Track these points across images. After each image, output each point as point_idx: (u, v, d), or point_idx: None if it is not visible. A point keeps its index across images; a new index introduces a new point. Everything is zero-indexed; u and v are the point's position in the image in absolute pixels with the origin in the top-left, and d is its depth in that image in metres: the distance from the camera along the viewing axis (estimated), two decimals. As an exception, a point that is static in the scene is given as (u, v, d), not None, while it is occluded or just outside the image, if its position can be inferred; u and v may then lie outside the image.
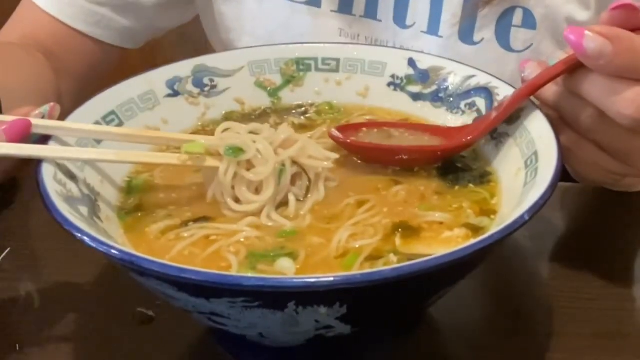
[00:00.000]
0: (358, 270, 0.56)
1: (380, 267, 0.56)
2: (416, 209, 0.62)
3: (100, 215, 0.60)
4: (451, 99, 0.71)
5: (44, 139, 0.61)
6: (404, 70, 0.74)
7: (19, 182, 0.79)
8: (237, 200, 0.61)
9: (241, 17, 0.91)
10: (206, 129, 0.72)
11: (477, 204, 0.62)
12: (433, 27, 0.85)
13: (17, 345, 0.62)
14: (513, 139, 0.64)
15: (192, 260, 0.57)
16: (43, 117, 0.61)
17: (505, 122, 0.65)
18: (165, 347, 0.63)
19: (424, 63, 0.73)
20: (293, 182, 0.62)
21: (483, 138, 0.66)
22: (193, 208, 0.62)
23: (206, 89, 0.74)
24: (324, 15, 0.88)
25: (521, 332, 0.63)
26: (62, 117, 0.64)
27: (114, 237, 0.58)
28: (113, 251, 0.50)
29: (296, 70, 0.75)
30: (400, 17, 0.86)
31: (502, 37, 0.84)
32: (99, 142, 0.64)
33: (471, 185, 0.64)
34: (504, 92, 0.67)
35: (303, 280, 0.48)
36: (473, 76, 0.70)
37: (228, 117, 0.74)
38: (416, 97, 0.73)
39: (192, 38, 1.82)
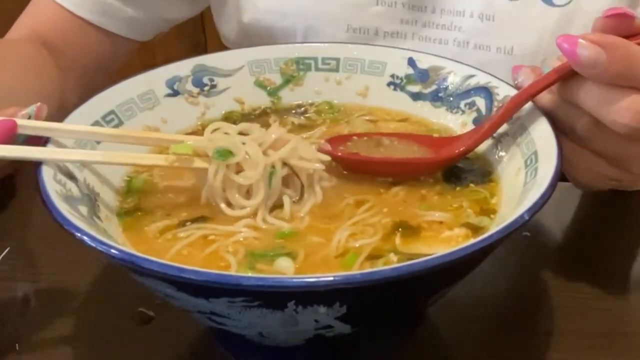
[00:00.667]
0: (358, 269, 0.55)
1: (380, 266, 0.56)
2: (416, 209, 0.62)
3: (100, 214, 0.60)
4: (451, 99, 0.71)
5: (32, 140, 0.60)
6: (403, 70, 0.74)
7: (19, 182, 0.79)
8: (229, 204, 0.61)
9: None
10: (206, 129, 0.72)
11: (477, 203, 0.62)
12: None
13: (17, 345, 0.62)
14: (513, 139, 0.64)
15: (191, 260, 0.57)
16: (29, 118, 0.61)
17: (505, 121, 0.65)
18: (165, 347, 0.63)
19: (423, 63, 0.73)
20: (286, 184, 0.62)
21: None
22: (192, 208, 0.62)
23: (206, 88, 0.74)
24: None
25: (521, 332, 0.63)
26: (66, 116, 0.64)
27: (113, 236, 0.58)
28: (113, 251, 0.50)
29: (296, 70, 0.75)
30: None
31: None
32: (98, 143, 0.64)
33: (471, 185, 0.64)
34: (503, 91, 0.67)
35: (303, 280, 0.48)
36: (473, 76, 0.70)
37: (228, 116, 0.74)
38: (416, 96, 0.73)
39: (191, 37, 1.83)
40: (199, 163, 0.61)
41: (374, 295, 0.51)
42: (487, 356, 0.62)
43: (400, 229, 0.59)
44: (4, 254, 0.71)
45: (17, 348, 0.62)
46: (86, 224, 0.54)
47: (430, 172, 0.65)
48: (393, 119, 0.73)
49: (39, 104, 0.62)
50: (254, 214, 0.60)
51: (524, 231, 0.52)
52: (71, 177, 0.60)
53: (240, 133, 0.63)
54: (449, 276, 0.54)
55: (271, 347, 0.57)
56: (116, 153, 0.63)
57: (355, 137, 0.69)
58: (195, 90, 0.73)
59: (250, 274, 0.55)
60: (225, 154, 0.60)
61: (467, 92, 0.70)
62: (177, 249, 0.58)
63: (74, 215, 0.54)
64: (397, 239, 0.59)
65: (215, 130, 0.63)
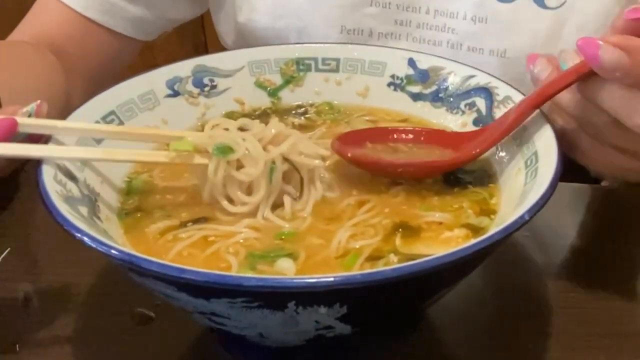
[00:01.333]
0: (359, 270, 0.56)
1: (381, 267, 0.56)
2: (416, 210, 0.62)
3: (100, 215, 0.60)
4: (451, 99, 0.71)
5: (33, 138, 0.60)
6: (403, 70, 0.74)
7: (19, 182, 0.79)
8: (230, 200, 0.61)
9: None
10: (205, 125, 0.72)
11: (477, 204, 0.62)
12: None
13: (17, 345, 0.62)
14: (513, 140, 0.64)
15: (192, 261, 0.57)
16: (30, 116, 0.61)
17: (505, 122, 0.66)
18: (165, 347, 0.63)
19: (423, 63, 0.73)
20: (287, 179, 0.62)
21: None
22: (192, 208, 0.62)
23: (206, 89, 0.74)
24: None
25: (521, 332, 0.63)
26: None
27: (113, 237, 0.58)
28: (113, 251, 0.50)
29: (296, 70, 0.75)
30: None
31: None
32: (98, 141, 0.64)
33: (470, 186, 0.64)
34: (503, 92, 0.67)
35: (303, 280, 0.48)
36: (473, 76, 0.70)
37: (228, 117, 0.74)
38: (416, 97, 0.73)
39: (192, 38, 1.83)
40: (199, 159, 0.61)
41: (374, 295, 0.51)
42: (486, 356, 0.62)
43: (400, 230, 0.60)
44: (4, 254, 0.71)
45: (17, 348, 0.62)
46: (86, 225, 0.54)
47: (446, 171, 0.65)
48: (393, 119, 0.73)
49: (38, 101, 0.62)
50: (255, 211, 0.60)
51: (524, 232, 0.52)
52: (72, 177, 0.60)
53: (240, 129, 0.63)
54: (449, 277, 0.54)
55: (271, 347, 0.57)
56: (116, 150, 0.63)
57: (369, 144, 0.68)
58: (196, 90, 0.73)
59: (251, 275, 0.55)
60: (225, 150, 0.60)
61: (467, 93, 0.70)
62: (177, 249, 0.58)
63: (74, 216, 0.54)
64: (398, 240, 0.59)
65: (215, 126, 0.63)
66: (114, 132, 0.65)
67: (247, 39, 0.91)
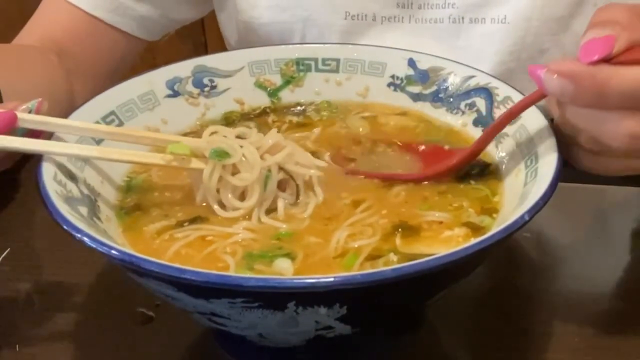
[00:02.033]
0: (358, 270, 0.56)
1: (381, 266, 0.56)
2: (416, 209, 0.62)
3: (100, 215, 0.60)
4: (451, 100, 0.71)
5: (32, 135, 0.61)
6: (403, 71, 0.74)
7: (19, 182, 0.79)
8: (222, 205, 0.61)
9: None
10: (205, 130, 0.72)
11: (479, 202, 0.62)
12: None
13: (17, 345, 0.62)
14: (513, 139, 0.64)
15: (189, 261, 0.57)
16: (30, 112, 0.61)
17: (505, 122, 0.66)
18: (165, 347, 0.63)
19: (423, 63, 0.73)
20: (282, 187, 0.62)
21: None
22: (189, 208, 0.62)
23: (206, 89, 0.74)
24: None
25: (521, 332, 0.63)
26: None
27: (113, 237, 0.58)
28: (113, 252, 0.50)
29: (296, 71, 0.75)
30: None
31: None
32: (98, 141, 0.64)
33: (473, 182, 0.64)
34: (503, 92, 0.67)
35: (303, 280, 0.48)
36: (473, 76, 0.70)
37: (228, 117, 0.74)
38: (416, 97, 0.73)
39: (192, 38, 1.83)
40: (196, 163, 0.61)
41: (374, 296, 0.51)
42: (486, 356, 0.62)
43: (400, 229, 0.60)
44: (4, 254, 0.71)
45: (17, 348, 0.62)
46: (86, 225, 0.54)
47: (422, 179, 0.65)
48: (392, 112, 0.73)
49: (40, 99, 0.62)
50: (248, 216, 0.60)
51: (524, 232, 0.52)
52: (71, 177, 0.60)
53: (238, 137, 0.63)
54: (449, 277, 0.54)
55: (271, 347, 0.57)
56: (113, 149, 0.63)
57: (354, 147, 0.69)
58: (196, 91, 0.73)
59: (249, 275, 0.55)
60: (221, 154, 0.60)
61: (467, 93, 0.70)
62: (174, 249, 0.58)
63: (74, 216, 0.54)
64: (397, 239, 0.59)
65: (213, 133, 0.63)
66: (113, 132, 0.64)
67: (250, 38, 0.91)
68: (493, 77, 0.69)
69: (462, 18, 0.86)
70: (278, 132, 0.71)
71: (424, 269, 0.48)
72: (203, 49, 1.82)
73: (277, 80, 0.75)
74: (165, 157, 0.62)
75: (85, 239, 0.51)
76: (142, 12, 0.93)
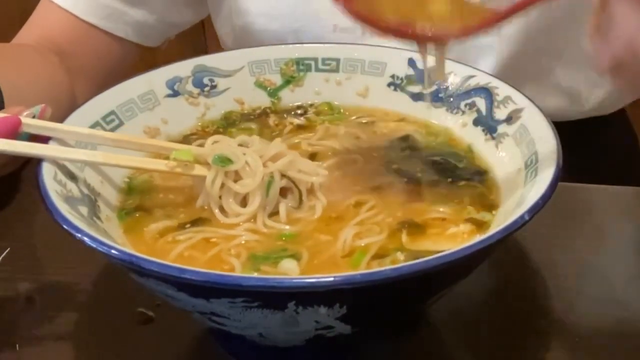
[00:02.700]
0: (366, 268, 0.56)
1: (388, 264, 0.56)
2: (420, 202, 0.62)
3: (100, 215, 0.60)
4: (451, 99, 0.71)
5: (33, 139, 0.61)
6: (404, 70, 0.74)
7: (19, 182, 0.79)
8: (223, 210, 0.61)
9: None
10: (205, 130, 0.72)
11: (478, 199, 0.62)
12: None
13: (17, 345, 0.62)
14: (513, 139, 0.64)
15: (193, 263, 0.57)
16: (34, 117, 0.61)
17: (505, 122, 0.66)
18: (165, 347, 0.63)
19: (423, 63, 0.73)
20: (284, 195, 0.62)
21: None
22: (192, 209, 0.62)
23: (206, 89, 0.74)
24: None
25: (521, 332, 0.63)
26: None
27: (113, 237, 0.58)
28: (113, 251, 0.50)
29: (296, 71, 0.75)
30: None
31: None
32: (94, 146, 0.64)
33: (470, 182, 0.64)
34: (503, 92, 0.67)
35: (303, 280, 0.49)
36: (473, 76, 0.70)
37: (227, 117, 0.74)
38: (416, 97, 0.73)
39: (192, 38, 1.83)
40: (199, 170, 0.62)
41: (375, 295, 0.51)
42: (487, 356, 0.62)
43: (406, 227, 0.60)
44: (4, 254, 0.71)
45: (17, 348, 0.62)
46: (86, 225, 0.54)
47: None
48: (392, 119, 0.73)
49: (43, 105, 0.63)
50: (249, 221, 0.60)
51: (524, 231, 0.52)
52: (72, 177, 0.60)
53: (240, 145, 0.63)
54: (449, 276, 0.54)
55: (271, 347, 0.57)
56: (118, 155, 0.63)
57: None
58: (196, 90, 0.73)
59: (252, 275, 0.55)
60: (224, 160, 0.61)
61: (467, 93, 0.70)
62: (178, 251, 0.58)
63: (74, 216, 0.54)
64: (404, 237, 0.59)
65: (215, 142, 0.63)
66: (116, 139, 0.64)
67: (246, 42, 0.91)
68: (493, 76, 0.69)
69: None
70: (279, 134, 0.71)
71: (424, 268, 0.48)
72: (203, 49, 1.82)
73: (277, 80, 0.75)
74: (169, 163, 0.62)
75: (85, 238, 0.51)
76: (138, 17, 0.92)
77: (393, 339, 0.62)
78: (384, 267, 0.53)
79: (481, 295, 0.67)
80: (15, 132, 0.59)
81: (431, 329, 0.64)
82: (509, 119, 0.65)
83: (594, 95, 0.94)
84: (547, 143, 0.60)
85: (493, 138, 0.67)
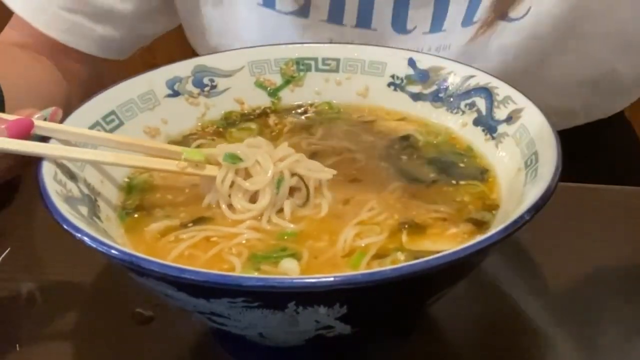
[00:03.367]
0: (366, 268, 0.56)
1: (388, 264, 0.56)
2: (420, 202, 0.62)
3: (100, 215, 0.60)
4: (451, 99, 0.71)
5: (43, 140, 0.61)
6: (404, 70, 0.74)
7: (19, 182, 0.79)
8: (231, 207, 0.61)
9: (232, 21, 0.89)
10: (205, 130, 0.72)
11: (478, 198, 0.62)
12: (436, 26, 0.85)
13: (17, 345, 0.63)
14: (513, 139, 0.64)
15: (194, 262, 0.57)
16: (45, 120, 0.62)
17: (505, 122, 0.66)
18: (165, 347, 0.63)
19: (423, 63, 0.73)
20: (292, 193, 0.62)
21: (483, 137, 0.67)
22: (193, 208, 0.62)
23: (206, 89, 0.74)
24: (314, 26, 0.87)
25: (521, 332, 0.63)
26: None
27: (113, 237, 0.58)
28: (113, 251, 0.50)
29: (296, 70, 0.75)
30: (399, 23, 0.86)
31: None
32: (95, 147, 0.64)
33: (470, 181, 0.64)
34: (503, 92, 0.67)
35: (303, 280, 0.48)
36: (473, 76, 0.70)
37: (227, 117, 0.74)
38: (416, 97, 0.73)
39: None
40: (210, 170, 0.62)
41: (375, 295, 0.51)
42: (486, 356, 0.62)
43: (406, 227, 0.60)
44: (4, 254, 0.71)
45: (18, 348, 0.62)
46: (86, 225, 0.54)
47: None
48: (392, 119, 0.73)
49: (54, 107, 0.63)
50: (257, 218, 0.61)
51: (524, 231, 0.52)
52: (72, 176, 0.60)
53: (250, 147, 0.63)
54: (449, 276, 0.54)
55: (271, 347, 0.57)
56: (128, 156, 0.63)
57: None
58: (196, 90, 0.73)
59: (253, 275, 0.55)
60: (235, 158, 0.61)
61: (467, 93, 0.70)
62: (179, 250, 0.58)
63: (74, 216, 0.54)
64: (404, 237, 0.59)
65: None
66: (129, 143, 0.64)
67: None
68: (493, 76, 0.69)
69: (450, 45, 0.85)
70: (279, 134, 0.71)
71: (424, 268, 0.48)
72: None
73: (277, 79, 0.75)
74: (180, 163, 0.62)
75: (85, 238, 0.51)
76: (103, 32, 0.89)
77: (393, 339, 0.62)
78: (384, 267, 0.53)
79: (481, 295, 0.67)
80: (27, 134, 0.59)
81: (431, 329, 0.64)
82: (509, 119, 0.65)
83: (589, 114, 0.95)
84: (547, 143, 0.60)
85: (493, 138, 0.67)
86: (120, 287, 0.65)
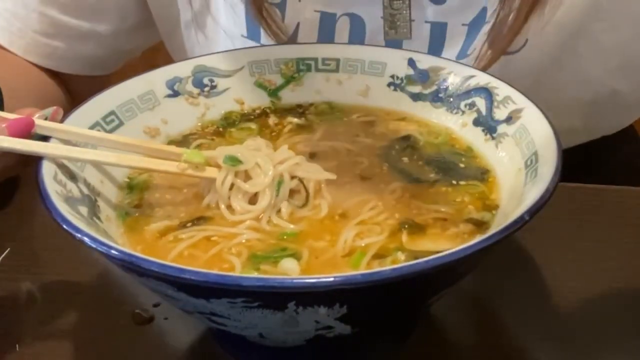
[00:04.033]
0: (366, 268, 0.56)
1: (389, 264, 0.56)
2: (420, 202, 0.62)
3: (100, 215, 0.60)
4: (451, 99, 0.71)
5: (44, 140, 0.61)
6: (403, 71, 0.74)
7: (19, 182, 0.79)
8: (230, 208, 0.61)
9: (215, 50, 0.87)
10: (205, 130, 0.72)
11: (478, 199, 0.62)
12: None
13: (17, 345, 0.62)
14: (513, 139, 0.64)
15: (193, 262, 0.57)
16: (46, 119, 0.62)
17: (505, 122, 0.66)
18: (165, 347, 0.63)
19: (423, 63, 0.73)
20: (291, 196, 0.62)
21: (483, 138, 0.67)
22: (192, 208, 0.63)
23: (206, 89, 0.74)
24: None
25: (521, 332, 0.63)
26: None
27: (113, 237, 0.58)
28: (113, 251, 0.50)
29: (296, 71, 0.75)
30: None
31: None
32: (95, 147, 0.64)
33: (470, 181, 0.64)
34: (503, 92, 0.67)
35: (303, 280, 0.48)
36: (473, 76, 0.70)
37: (227, 117, 0.74)
38: (416, 97, 0.73)
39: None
40: (210, 172, 0.62)
41: (375, 295, 0.51)
42: (487, 356, 0.62)
43: (406, 227, 0.60)
44: (4, 254, 0.71)
45: (17, 348, 0.62)
46: (86, 225, 0.54)
47: None
48: (392, 119, 0.73)
49: (55, 107, 0.63)
50: (257, 219, 0.61)
51: (524, 231, 0.52)
52: (72, 177, 0.60)
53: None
54: (449, 277, 0.54)
55: (271, 347, 0.57)
56: (129, 156, 0.63)
57: None
58: (196, 90, 0.73)
59: (252, 275, 0.55)
60: (235, 160, 0.61)
61: (467, 93, 0.70)
62: (178, 250, 0.58)
63: (74, 216, 0.54)
64: (404, 237, 0.59)
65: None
66: (127, 143, 0.64)
67: None
68: (493, 76, 0.69)
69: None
70: (279, 134, 0.71)
71: (424, 268, 0.48)
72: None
73: (277, 80, 0.75)
74: (180, 165, 0.62)
75: (85, 238, 0.51)
76: (85, 52, 0.89)
77: (393, 339, 0.62)
78: (385, 267, 0.53)
79: (481, 295, 0.67)
80: (28, 133, 0.59)
81: (431, 329, 0.64)
82: (509, 119, 0.65)
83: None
84: (547, 143, 0.60)
85: (493, 138, 0.67)
86: (120, 287, 0.65)
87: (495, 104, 0.68)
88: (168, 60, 0.74)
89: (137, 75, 0.71)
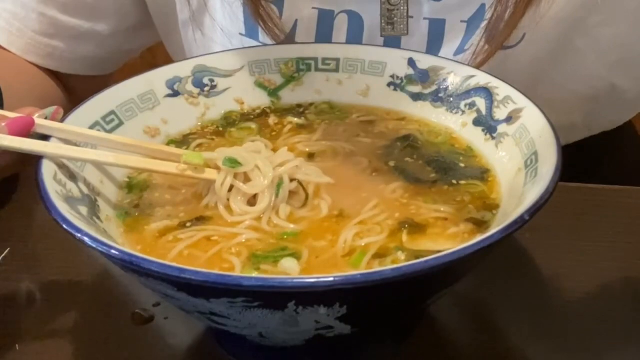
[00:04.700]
0: (366, 268, 0.56)
1: (389, 264, 0.56)
2: (420, 203, 0.62)
3: (100, 215, 0.60)
4: (451, 99, 0.71)
5: (44, 139, 0.61)
6: (403, 70, 0.74)
7: (19, 182, 0.78)
8: (229, 209, 0.61)
9: (212, 48, 0.87)
10: (205, 130, 0.72)
11: (479, 198, 0.62)
12: None
13: (17, 345, 0.62)
14: (513, 139, 0.64)
15: (193, 262, 0.57)
16: (46, 118, 0.62)
17: (505, 122, 0.66)
18: (165, 347, 0.63)
19: (423, 63, 0.73)
20: (291, 197, 0.62)
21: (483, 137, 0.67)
22: (192, 208, 0.62)
23: (206, 89, 0.74)
24: None
25: (521, 332, 0.63)
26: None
27: (113, 237, 0.58)
28: (113, 251, 0.50)
29: (296, 71, 0.75)
30: None
31: None
32: (95, 147, 0.64)
33: (470, 181, 0.64)
34: (503, 92, 0.67)
35: (303, 280, 0.48)
36: (473, 76, 0.70)
37: (227, 117, 0.74)
38: (416, 97, 0.73)
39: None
40: (209, 173, 0.62)
41: (375, 295, 0.51)
42: (487, 356, 0.62)
43: (406, 226, 0.60)
44: (4, 254, 0.71)
45: (17, 348, 0.62)
46: (86, 225, 0.54)
47: None
48: (392, 119, 0.73)
49: (56, 106, 0.63)
50: (258, 218, 0.61)
51: (524, 232, 0.52)
52: (72, 176, 0.60)
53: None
54: (449, 277, 0.54)
55: (271, 347, 0.57)
56: (128, 156, 0.63)
57: None
58: (196, 90, 0.73)
59: (253, 275, 0.55)
60: (234, 162, 0.61)
61: (467, 93, 0.70)
62: (178, 250, 0.58)
63: (74, 216, 0.54)
64: (404, 236, 0.59)
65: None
66: (131, 144, 0.64)
67: None
68: (493, 76, 0.69)
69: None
70: (279, 134, 0.71)
71: (424, 268, 0.48)
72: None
73: (278, 79, 0.75)
74: (179, 166, 0.62)
75: (86, 238, 0.51)
76: (85, 52, 0.89)
77: (393, 339, 0.62)
78: (385, 266, 0.53)
79: (481, 296, 0.67)
80: (28, 133, 0.59)
81: (431, 329, 0.64)
82: (509, 119, 0.65)
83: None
84: (547, 143, 0.60)
85: (493, 138, 0.67)
86: (120, 287, 0.65)
87: (495, 103, 0.68)
88: (168, 60, 0.74)
89: (137, 75, 0.71)
